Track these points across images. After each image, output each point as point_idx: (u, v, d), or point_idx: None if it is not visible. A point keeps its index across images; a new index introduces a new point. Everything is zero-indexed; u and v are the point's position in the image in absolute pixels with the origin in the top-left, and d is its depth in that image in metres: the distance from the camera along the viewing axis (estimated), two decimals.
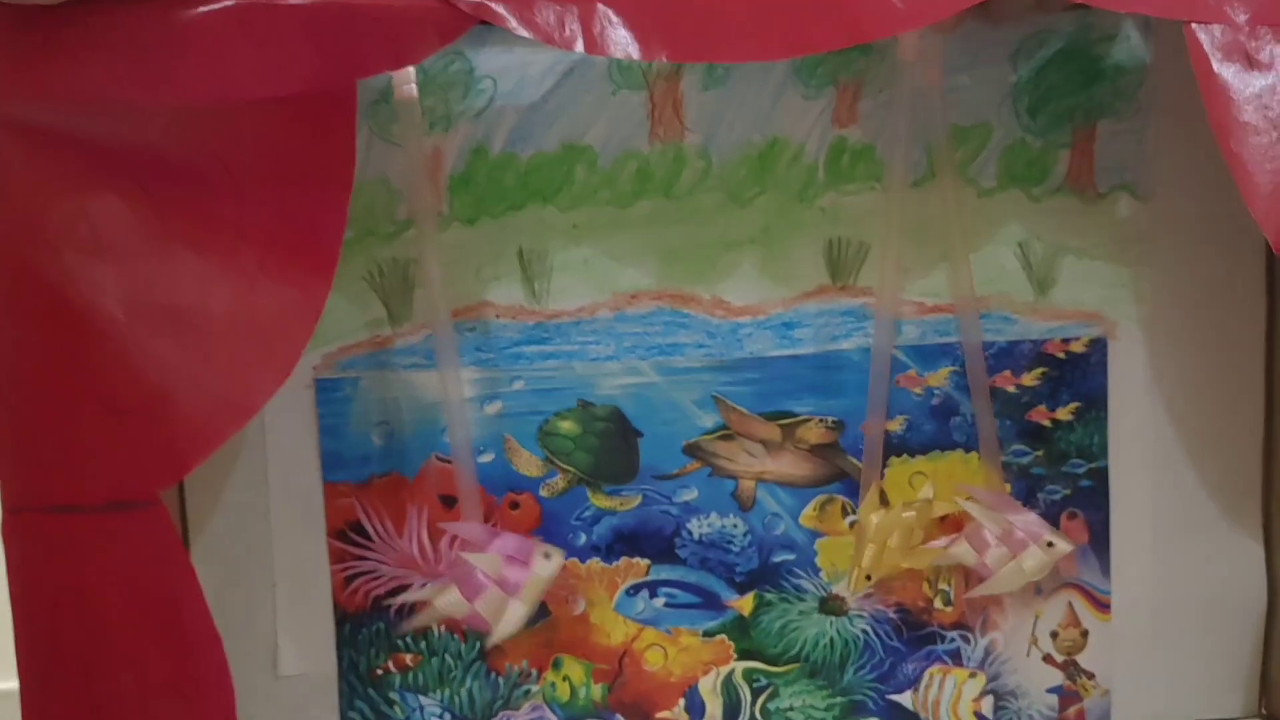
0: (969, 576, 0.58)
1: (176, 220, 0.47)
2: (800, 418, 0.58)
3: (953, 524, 0.58)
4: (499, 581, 0.52)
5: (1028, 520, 0.56)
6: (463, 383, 0.55)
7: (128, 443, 0.46)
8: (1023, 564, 0.55)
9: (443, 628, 0.57)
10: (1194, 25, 0.47)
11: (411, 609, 0.56)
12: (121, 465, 0.46)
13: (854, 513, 0.58)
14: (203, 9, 0.45)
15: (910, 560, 0.57)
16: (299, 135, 0.47)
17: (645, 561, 0.58)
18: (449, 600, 0.53)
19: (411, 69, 0.52)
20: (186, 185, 0.47)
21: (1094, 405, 0.58)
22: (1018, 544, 0.55)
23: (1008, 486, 0.58)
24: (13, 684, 0.47)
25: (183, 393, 0.46)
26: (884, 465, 0.57)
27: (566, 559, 0.56)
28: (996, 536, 0.56)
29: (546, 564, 0.53)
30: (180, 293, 0.46)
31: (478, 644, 0.58)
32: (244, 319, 0.46)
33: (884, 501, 0.57)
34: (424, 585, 0.55)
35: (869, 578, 0.57)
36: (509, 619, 0.52)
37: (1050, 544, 0.55)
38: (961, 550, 0.56)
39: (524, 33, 0.46)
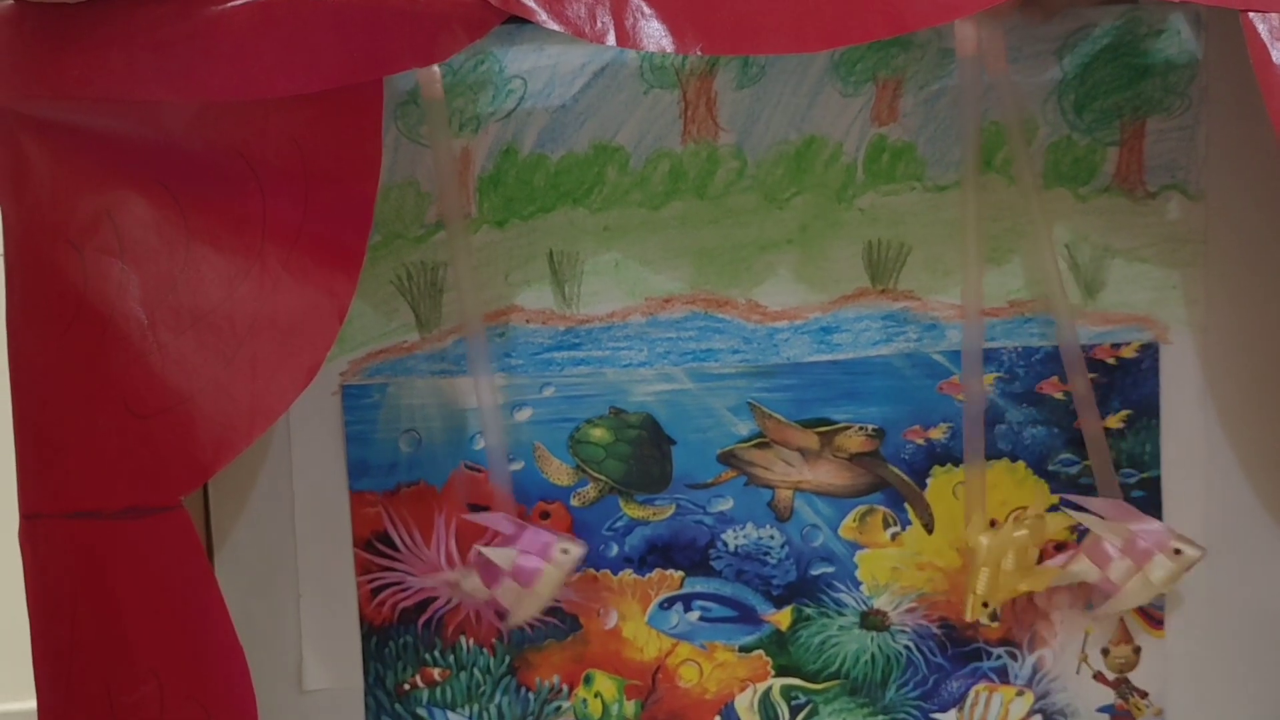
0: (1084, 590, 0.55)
1: (199, 219, 0.46)
2: (839, 425, 0.56)
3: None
4: (513, 574, 0.52)
5: (1150, 527, 0.52)
6: (495, 389, 0.53)
7: (149, 446, 0.45)
8: (1150, 576, 0.52)
9: (472, 641, 0.56)
10: (1251, 15, 0.45)
11: (441, 620, 0.55)
12: (142, 470, 0.45)
13: (895, 524, 0.56)
14: (227, 5, 0.45)
15: (1028, 582, 0.54)
16: (325, 133, 0.46)
17: (679, 573, 0.56)
18: (472, 584, 0.53)
19: (438, 69, 0.51)
20: (210, 184, 0.46)
21: (1145, 412, 0.56)
22: (1142, 555, 0.52)
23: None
24: (30, 704, 0.46)
25: (205, 395, 0.45)
26: (928, 475, 0.56)
27: (592, 564, 0.55)
28: (1118, 548, 0.52)
29: (564, 558, 0.52)
30: (203, 293, 0.46)
31: (507, 658, 0.56)
32: (267, 320, 0.45)
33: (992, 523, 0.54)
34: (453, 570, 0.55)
35: (985, 604, 0.54)
36: (526, 606, 0.53)
37: (1178, 550, 0.52)
38: (1082, 567, 0.53)
39: (554, 26, 0.45)
